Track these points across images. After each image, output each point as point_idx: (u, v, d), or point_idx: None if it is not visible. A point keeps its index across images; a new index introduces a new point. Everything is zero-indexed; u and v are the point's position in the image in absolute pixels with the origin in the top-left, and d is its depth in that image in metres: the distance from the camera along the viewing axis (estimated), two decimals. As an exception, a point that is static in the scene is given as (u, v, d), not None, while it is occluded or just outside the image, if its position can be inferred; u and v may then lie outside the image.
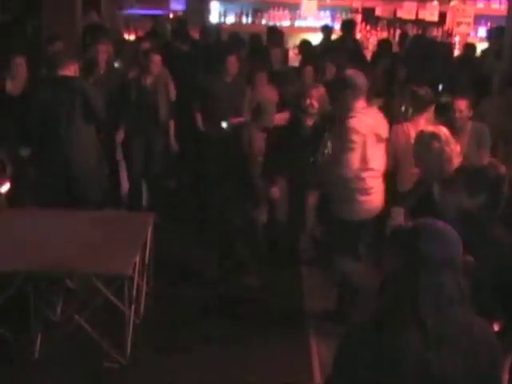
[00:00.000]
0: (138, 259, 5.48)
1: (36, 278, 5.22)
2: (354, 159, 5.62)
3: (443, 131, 4.92)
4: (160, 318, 6.11)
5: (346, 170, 5.66)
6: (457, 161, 4.82)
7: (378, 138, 5.75)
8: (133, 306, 5.50)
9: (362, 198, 5.78)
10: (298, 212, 7.34)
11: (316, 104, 7.04)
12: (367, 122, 5.66)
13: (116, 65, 9.23)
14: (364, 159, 5.65)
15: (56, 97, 6.75)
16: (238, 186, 6.83)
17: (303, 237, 7.48)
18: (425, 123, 6.10)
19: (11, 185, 6.50)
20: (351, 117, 5.65)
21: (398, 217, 4.75)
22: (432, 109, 6.44)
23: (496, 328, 3.72)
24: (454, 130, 5.51)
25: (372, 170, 5.75)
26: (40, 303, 5.45)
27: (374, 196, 5.83)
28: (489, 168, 4.55)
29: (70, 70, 6.88)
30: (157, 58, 8.10)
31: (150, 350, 5.61)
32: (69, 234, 5.64)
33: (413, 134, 6.04)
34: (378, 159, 5.77)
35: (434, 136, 4.86)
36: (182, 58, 9.68)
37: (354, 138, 5.60)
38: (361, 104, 5.75)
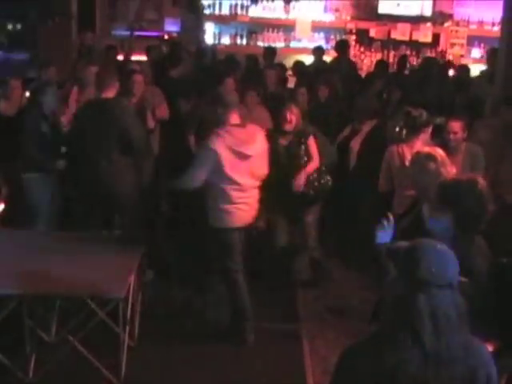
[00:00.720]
0: (132, 280, 5.47)
1: (31, 299, 5.20)
2: (200, 174, 5.90)
3: (439, 152, 4.92)
4: (155, 339, 6.09)
5: (191, 181, 5.96)
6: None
7: (241, 156, 5.92)
8: (127, 328, 5.48)
9: (225, 207, 5.98)
10: (297, 231, 7.35)
11: (294, 120, 7.04)
12: (226, 140, 5.86)
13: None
14: (225, 175, 5.88)
15: (95, 122, 6.65)
16: None
17: (300, 257, 7.45)
18: (421, 145, 6.11)
19: (6, 205, 6.49)
20: (214, 134, 5.89)
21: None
22: (428, 130, 6.45)
23: (490, 348, 3.72)
24: (449, 151, 5.53)
25: (236, 183, 5.95)
26: (34, 324, 5.43)
27: (242, 206, 6.04)
28: (467, 184, 4.50)
29: (112, 92, 6.82)
30: (139, 78, 8.04)
31: (144, 372, 5.59)
32: (63, 256, 5.61)
33: (408, 156, 6.07)
34: (242, 175, 5.97)
35: (430, 157, 4.87)
36: (175, 81, 9.70)
37: (207, 155, 5.88)
38: (234, 119, 5.98)
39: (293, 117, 7.00)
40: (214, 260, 6.47)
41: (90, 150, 6.68)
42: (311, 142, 7.10)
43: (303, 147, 7.02)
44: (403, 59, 12.04)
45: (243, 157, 5.92)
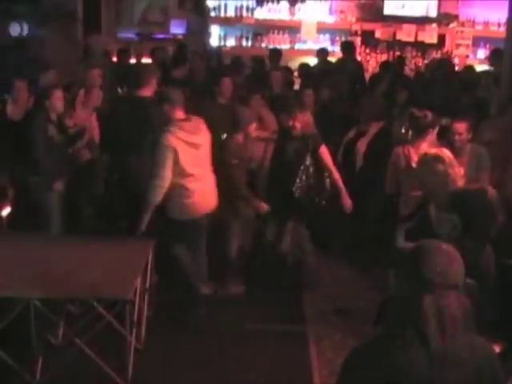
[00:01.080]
0: (139, 283, 5.47)
1: (38, 302, 5.21)
2: (167, 172, 6.05)
3: (446, 154, 4.93)
4: (162, 342, 6.09)
5: (163, 183, 6.07)
6: (460, 183, 4.84)
7: (193, 146, 6.16)
8: (134, 330, 5.48)
9: (186, 201, 6.20)
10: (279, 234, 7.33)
11: (298, 126, 7.02)
12: (178, 134, 6.05)
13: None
14: (181, 167, 6.08)
15: (130, 120, 6.61)
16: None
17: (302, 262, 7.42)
18: (427, 146, 6.10)
19: (12, 209, 6.50)
20: (166, 131, 6.06)
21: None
22: (434, 131, 6.43)
23: (497, 349, 3.72)
24: (454, 152, 5.53)
25: (192, 175, 6.16)
26: (41, 327, 5.43)
27: (198, 197, 6.24)
28: (476, 193, 4.53)
29: (149, 91, 6.73)
30: None
31: (151, 374, 5.59)
32: (70, 258, 5.62)
33: (414, 157, 6.06)
34: (196, 165, 6.20)
35: (438, 159, 4.87)
36: (177, 81, 9.70)
37: (166, 153, 6.02)
38: (179, 115, 6.18)
39: (297, 123, 7.00)
40: (165, 247, 6.46)
41: (122, 147, 6.72)
42: (324, 150, 7.08)
43: (310, 152, 7.00)
44: (401, 60, 12.08)
45: (195, 146, 6.14)
